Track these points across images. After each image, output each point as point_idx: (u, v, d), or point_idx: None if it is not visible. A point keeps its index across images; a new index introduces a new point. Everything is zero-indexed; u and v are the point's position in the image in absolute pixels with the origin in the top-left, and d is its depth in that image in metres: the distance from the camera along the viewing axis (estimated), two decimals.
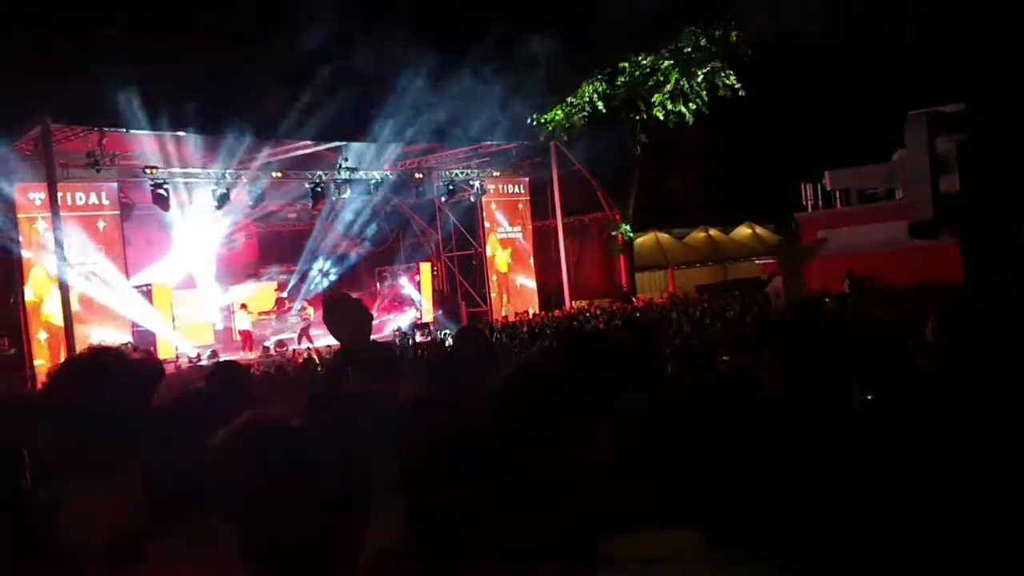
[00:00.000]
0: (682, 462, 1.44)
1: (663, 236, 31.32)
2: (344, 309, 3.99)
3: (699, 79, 22.96)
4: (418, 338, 17.87)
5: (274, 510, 1.56)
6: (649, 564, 1.39)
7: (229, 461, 1.63)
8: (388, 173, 22.91)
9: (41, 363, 16.46)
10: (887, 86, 25.15)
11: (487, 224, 24.99)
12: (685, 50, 23.08)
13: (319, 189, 21.20)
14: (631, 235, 26.11)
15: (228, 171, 19.71)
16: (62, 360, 1.99)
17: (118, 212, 18.37)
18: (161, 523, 1.77)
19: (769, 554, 1.45)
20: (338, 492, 1.59)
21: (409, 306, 25.47)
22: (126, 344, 18.36)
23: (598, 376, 2.26)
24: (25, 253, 16.51)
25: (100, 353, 2.11)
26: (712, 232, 33.29)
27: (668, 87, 23.08)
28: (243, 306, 22.46)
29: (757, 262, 25.84)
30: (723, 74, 23.07)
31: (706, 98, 23.10)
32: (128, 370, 2.04)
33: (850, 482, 1.98)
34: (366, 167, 22.16)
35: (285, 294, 24.47)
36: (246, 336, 21.98)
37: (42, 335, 16.73)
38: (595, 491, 1.49)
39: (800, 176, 24.65)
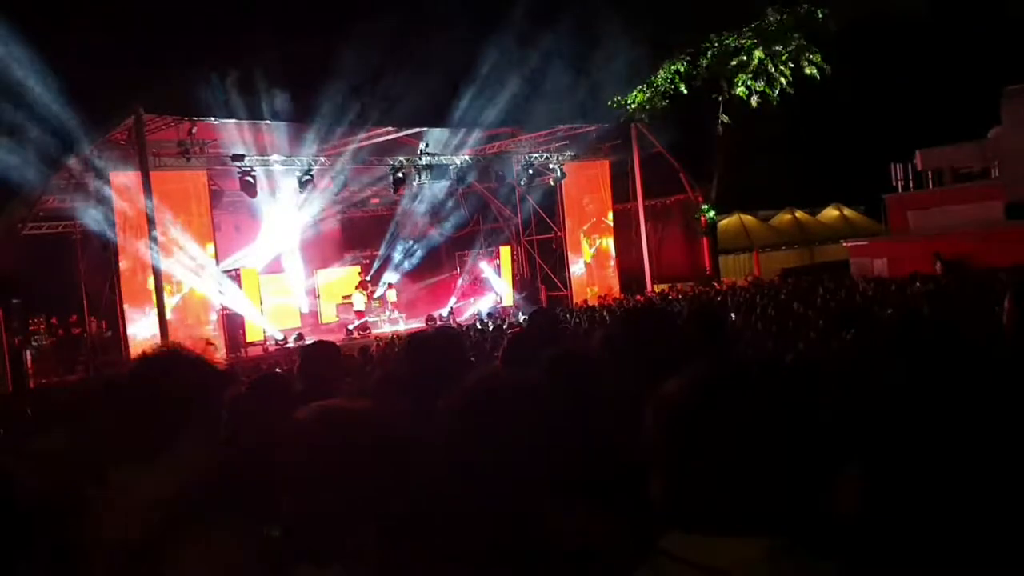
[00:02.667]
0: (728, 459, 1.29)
1: (747, 218, 30.78)
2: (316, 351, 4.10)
3: (783, 58, 22.36)
4: (491, 326, 17.88)
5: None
6: (706, 571, 1.25)
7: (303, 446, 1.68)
8: (468, 158, 23.01)
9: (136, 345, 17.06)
10: (981, 60, 24.12)
11: (567, 207, 24.89)
12: (769, 29, 22.49)
13: (400, 175, 21.43)
14: (714, 218, 25.68)
15: (313, 158, 20.07)
16: (141, 354, 2.07)
17: (208, 199, 18.83)
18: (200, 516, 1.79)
19: (841, 564, 1.32)
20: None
21: (489, 290, 25.60)
22: (208, 344, 18.99)
23: (653, 361, 2.20)
24: (119, 239, 17.04)
25: (173, 355, 2.16)
26: (798, 214, 32.57)
27: (751, 66, 22.54)
28: (358, 285, 22.98)
29: (845, 244, 25.14)
30: (808, 52, 22.42)
31: (790, 77, 22.49)
32: (197, 372, 2.10)
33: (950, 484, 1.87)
34: (446, 152, 22.29)
35: (368, 278, 24.85)
36: (361, 316, 22.48)
37: (136, 318, 17.29)
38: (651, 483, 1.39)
39: (890, 156, 23.92)
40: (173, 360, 2.11)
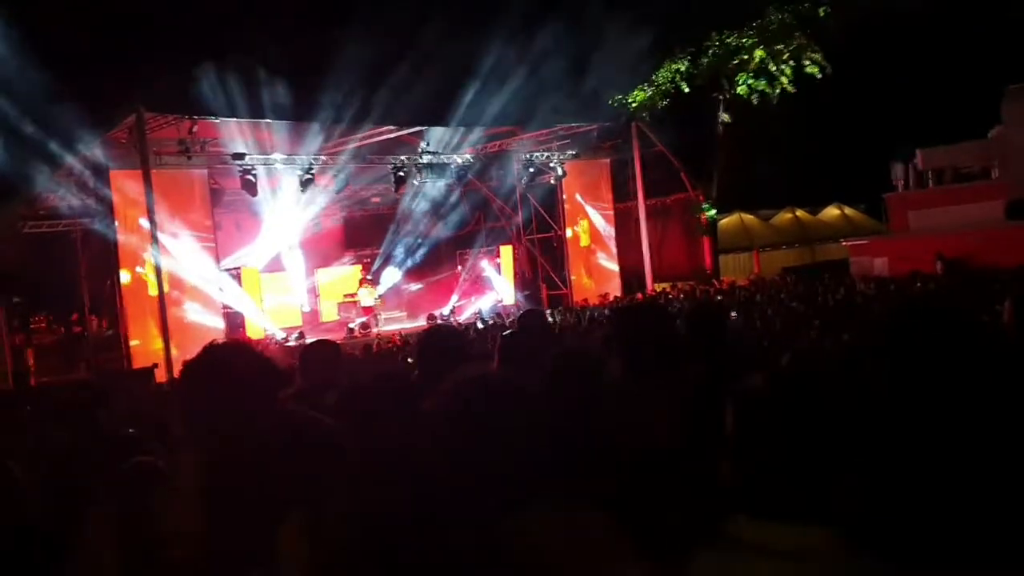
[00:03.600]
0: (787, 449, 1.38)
1: (748, 217, 30.79)
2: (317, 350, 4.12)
3: (784, 56, 22.35)
4: (489, 322, 17.92)
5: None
6: (772, 555, 1.33)
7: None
8: (469, 156, 23.01)
9: (136, 343, 17.06)
10: (982, 59, 24.11)
11: (567, 206, 24.88)
12: (770, 27, 22.47)
13: (401, 173, 21.44)
14: (715, 216, 25.67)
15: (313, 157, 20.07)
16: (204, 346, 2.20)
17: (208, 198, 18.83)
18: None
19: (899, 561, 1.36)
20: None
21: (490, 289, 25.61)
22: (274, 340, 19.11)
23: (651, 358, 2.21)
24: (120, 237, 17.02)
25: (236, 346, 2.31)
26: (799, 213, 32.59)
27: (752, 65, 22.53)
28: (363, 282, 22.98)
29: (845, 243, 25.14)
30: (809, 51, 22.41)
31: (791, 76, 22.47)
32: (255, 363, 2.18)
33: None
34: (447, 151, 22.29)
35: (369, 276, 24.86)
36: (369, 312, 22.49)
37: (137, 317, 17.29)
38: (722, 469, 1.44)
39: (890, 155, 23.90)
40: (238, 351, 2.22)
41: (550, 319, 16.22)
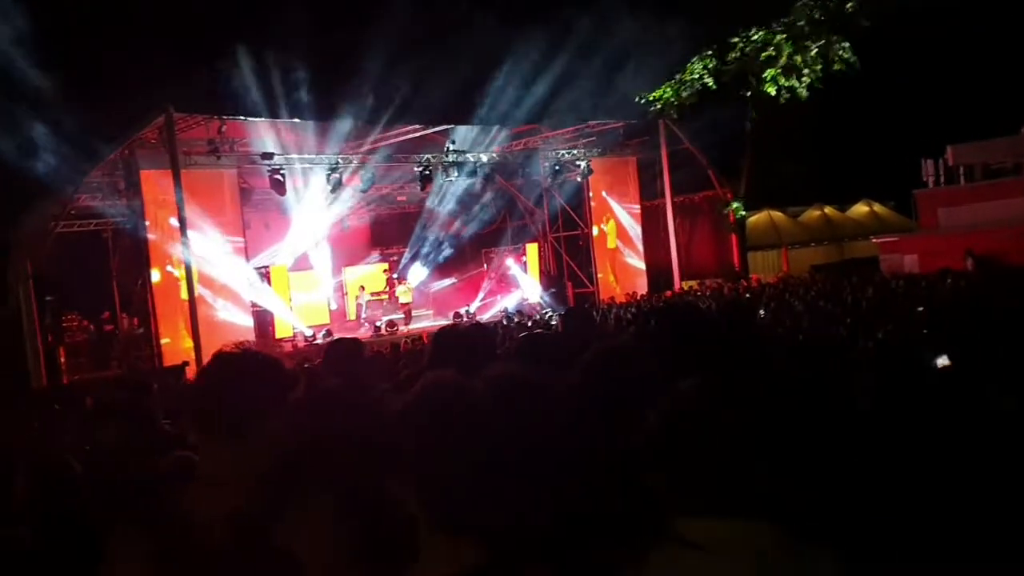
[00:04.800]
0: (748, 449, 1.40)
1: (776, 215, 30.53)
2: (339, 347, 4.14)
3: (812, 53, 22.11)
4: (516, 320, 17.93)
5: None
6: (713, 552, 1.37)
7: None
8: (495, 155, 23.02)
9: (167, 341, 17.21)
10: (1014, 55, 23.74)
11: (594, 204, 24.83)
12: (798, 23, 22.24)
13: (427, 172, 21.49)
14: (743, 213, 25.49)
15: (341, 156, 20.16)
16: (217, 351, 2.37)
17: (238, 197, 18.97)
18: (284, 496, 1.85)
19: (838, 550, 1.40)
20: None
21: (516, 287, 25.62)
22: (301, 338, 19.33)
23: (684, 357, 2.21)
24: (151, 236, 17.18)
25: (246, 353, 2.43)
26: (827, 210, 32.26)
27: (780, 62, 22.31)
28: (399, 280, 23.17)
29: (875, 241, 24.89)
30: (838, 47, 22.15)
31: (820, 72, 22.23)
32: (265, 366, 2.30)
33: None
34: (473, 149, 22.31)
35: (396, 275, 24.95)
36: (407, 310, 22.65)
37: (167, 315, 17.45)
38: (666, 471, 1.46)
39: (921, 151, 23.63)
40: (249, 358, 2.35)
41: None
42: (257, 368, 2.27)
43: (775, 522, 1.36)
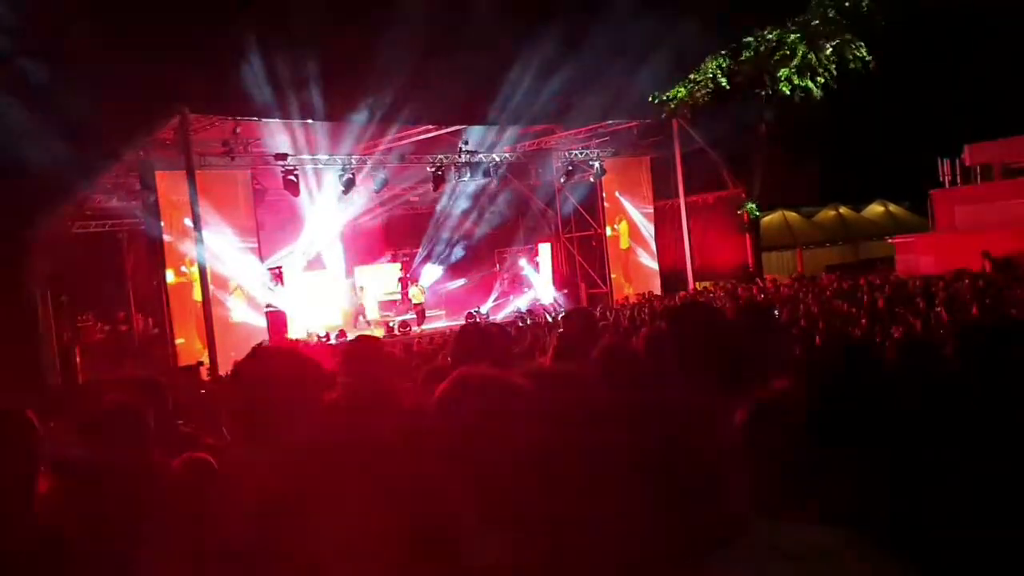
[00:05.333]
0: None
1: (791, 215, 30.44)
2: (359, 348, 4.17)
3: (827, 52, 22.02)
4: (531, 320, 17.92)
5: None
6: (789, 556, 1.34)
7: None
8: (507, 155, 23.00)
9: (182, 341, 17.28)
10: None
11: (607, 204, 24.78)
12: (813, 23, 22.15)
13: (440, 172, 21.49)
14: (757, 214, 25.40)
15: (354, 157, 20.19)
16: (254, 347, 2.42)
17: (252, 197, 19.02)
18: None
19: (915, 563, 1.37)
20: None
21: (529, 287, 25.59)
22: (315, 338, 19.38)
23: (702, 359, 2.18)
24: (166, 237, 17.24)
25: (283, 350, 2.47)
26: (842, 210, 32.16)
27: (795, 61, 22.23)
28: (413, 280, 23.18)
29: (890, 241, 24.76)
30: (853, 46, 22.05)
31: (835, 72, 22.14)
32: (300, 364, 2.30)
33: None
34: (486, 150, 22.30)
35: (408, 275, 24.96)
36: (419, 310, 22.65)
37: (182, 315, 17.50)
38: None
39: (937, 150, 23.48)
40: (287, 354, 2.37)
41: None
42: (296, 367, 2.26)
43: (862, 531, 1.34)
